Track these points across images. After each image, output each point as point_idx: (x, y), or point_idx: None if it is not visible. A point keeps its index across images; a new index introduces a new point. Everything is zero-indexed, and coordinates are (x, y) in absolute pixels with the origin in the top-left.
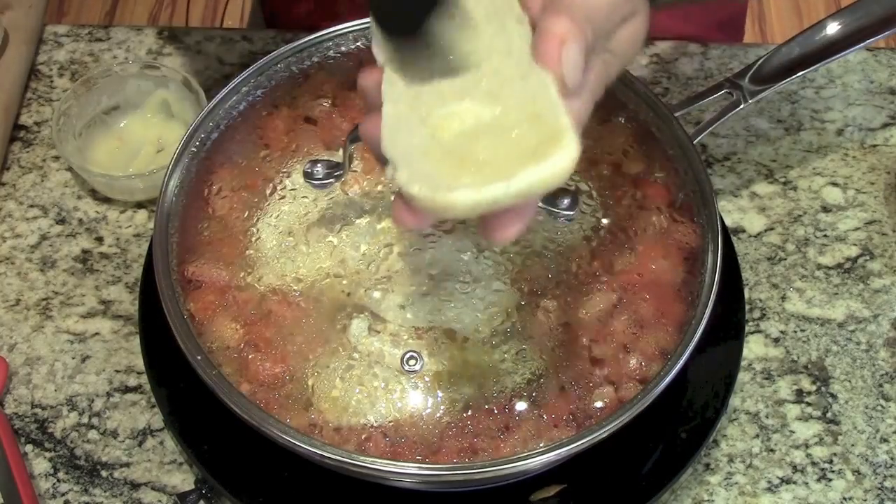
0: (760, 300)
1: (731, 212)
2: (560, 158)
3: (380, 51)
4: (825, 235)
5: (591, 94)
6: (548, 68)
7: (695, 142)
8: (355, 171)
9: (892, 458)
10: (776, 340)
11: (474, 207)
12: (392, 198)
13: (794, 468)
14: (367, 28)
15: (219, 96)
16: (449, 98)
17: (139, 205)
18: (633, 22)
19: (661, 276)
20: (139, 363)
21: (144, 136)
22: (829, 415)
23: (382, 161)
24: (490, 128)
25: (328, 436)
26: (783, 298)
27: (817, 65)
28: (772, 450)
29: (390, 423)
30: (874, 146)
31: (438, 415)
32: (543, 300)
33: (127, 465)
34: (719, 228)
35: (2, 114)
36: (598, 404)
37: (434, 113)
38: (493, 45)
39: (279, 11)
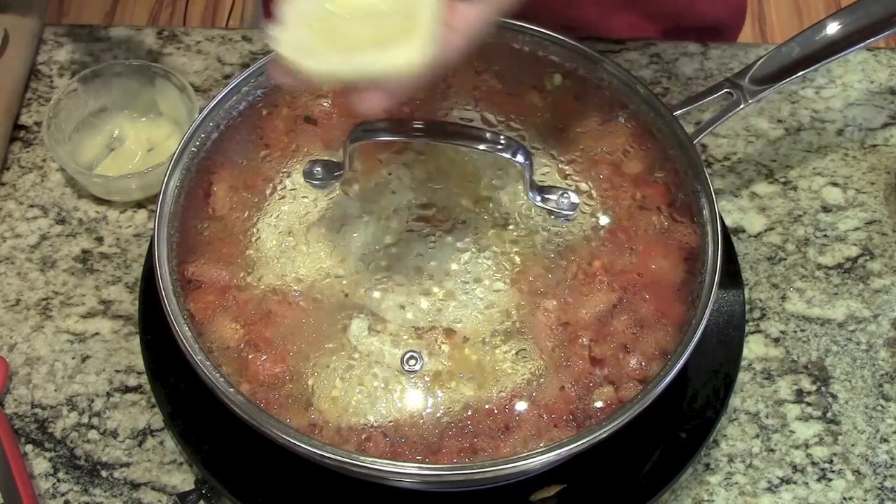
0: (760, 300)
1: (731, 212)
2: (403, 50)
3: None
4: (825, 235)
5: (467, 32)
6: None
7: (695, 142)
8: (355, 171)
9: (892, 458)
10: (776, 340)
11: (326, 76)
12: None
13: (794, 468)
14: None
15: (219, 96)
16: None
17: (139, 205)
18: None
19: (661, 276)
20: (139, 363)
21: (134, 136)
22: (829, 415)
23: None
24: (372, 14)
25: (328, 436)
26: (783, 298)
27: (817, 65)
28: (772, 450)
29: (390, 423)
30: (874, 146)
31: (438, 415)
32: (543, 300)
33: (127, 465)
34: (719, 228)
35: (2, 114)
36: (598, 404)
37: None
38: None
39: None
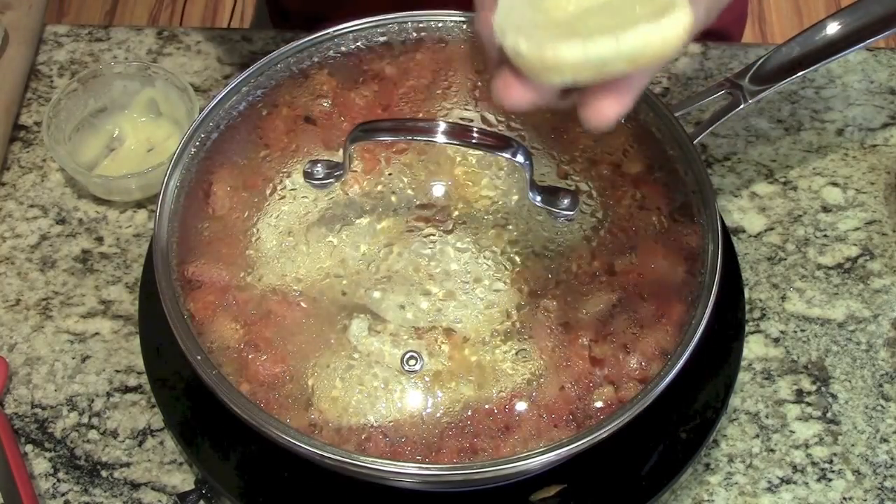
0: (760, 300)
1: (731, 212)
2: (672, 22)
3: None
4: (825, 235)
5: None
6: None
7: (695, 142)
8: (355, 171)
9: (892, 458)
10: (776, 340)
11: (582, 65)
12: (498, 76)
13: (794, 468)
14: (367, 28)
15: (219, 96)
16: None
17: (139, 205)
18: None
19: (661, 276)
20: (139, 363)
21: (134, 136)
22: (829, 415)
23: (491, 59)
24: (603, 7)
25: (328, 436)
26: (783, 298)
27: (817, 65)
28: (772, 450)
29: (390, 423)
30: (874, 146)
31: (438, 415)
32: (543, 300)
33: (127, 465)
34: (719, 228)
35: (2, 114)
36: (598, 404)
37: None
38: None
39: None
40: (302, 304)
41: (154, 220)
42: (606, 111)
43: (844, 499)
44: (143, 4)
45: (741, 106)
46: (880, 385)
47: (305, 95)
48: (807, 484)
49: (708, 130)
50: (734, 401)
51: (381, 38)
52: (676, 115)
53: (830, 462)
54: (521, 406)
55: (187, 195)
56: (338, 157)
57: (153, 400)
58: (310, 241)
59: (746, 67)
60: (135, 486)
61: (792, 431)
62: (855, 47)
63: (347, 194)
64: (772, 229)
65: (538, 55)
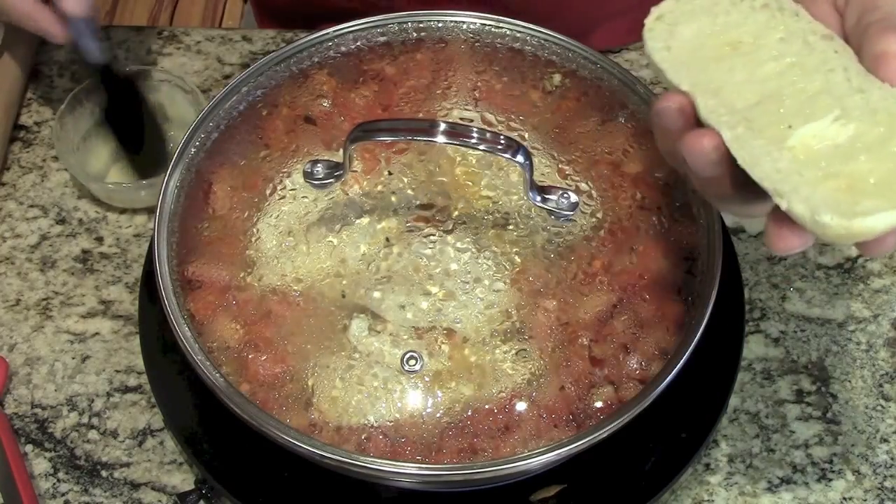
0: (760, 300)
1: None
2: None
3: (684, 76)
4: None
5: None
6: None
7: None
8: (355, 171)
9: (892, 458)
10: (776, 340)
11: (886, 230)
12: (767, 224)
13: (794, 468)
14: (367, 28)
15: (219, 96)
16: (785, 117)
17: None
18: None
19: (661, 276)
20: (139, 363)
21: None
22: (829, 415)
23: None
24: (856, 145)
25: (328, 436)
26: (783, 298)
27: None
28: (772, 450)
29: (390, 423)
30: None
31: (438, 415)
32: (543, 300)
33: (127, 465)
34: (719, 228)
35: (2, 114)
36: (598, 404)
37: (788, 135)
38: (805, 63)
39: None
40: (302, 304)
41: (154, 220)
42: (888, 245)
43: (844, 499)
44: (143, 4)
45: None
46: (880, 385)
47: (305, 95)
48: (807, 484)
49: None
50: (734, 401)
51: (381, 38)
52: None
53: (830, 462)
54: (521, 406)
55: (187, 195)
56: (338, 157)
57: (153, 400)
58: (310, 241)
59: None
60: (135, 486)
61: (792, 431)
62: None
63: (347, 194)
64: None
65: (845, 227)
